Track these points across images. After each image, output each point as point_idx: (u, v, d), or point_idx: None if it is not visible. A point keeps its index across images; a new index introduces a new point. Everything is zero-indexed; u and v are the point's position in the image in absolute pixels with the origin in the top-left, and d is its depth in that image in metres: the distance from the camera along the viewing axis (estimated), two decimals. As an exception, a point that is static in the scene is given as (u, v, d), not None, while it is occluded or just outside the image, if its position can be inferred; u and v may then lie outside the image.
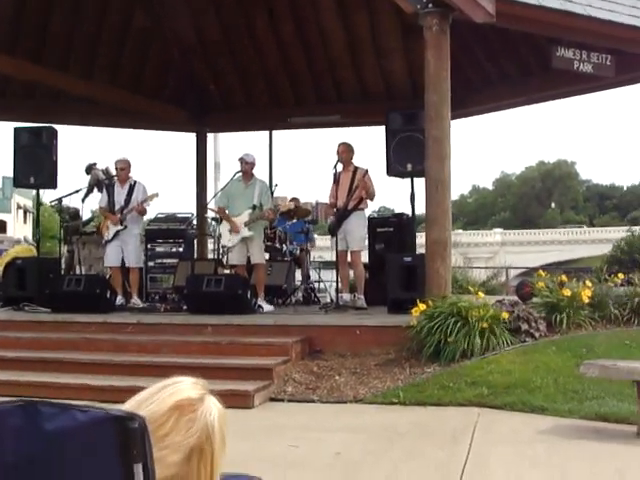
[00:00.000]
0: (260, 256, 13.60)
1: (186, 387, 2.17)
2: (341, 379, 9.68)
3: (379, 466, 6.58)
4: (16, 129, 15.00)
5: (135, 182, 13.94)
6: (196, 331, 11.28)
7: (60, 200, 15.07)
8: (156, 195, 13.91)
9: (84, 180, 16.62)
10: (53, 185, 14.88)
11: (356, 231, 13.19)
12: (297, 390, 9.47)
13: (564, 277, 11.68)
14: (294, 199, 16.73)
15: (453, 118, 11.47)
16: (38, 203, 16.15)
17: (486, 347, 9.75)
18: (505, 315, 10.15)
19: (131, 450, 1.92)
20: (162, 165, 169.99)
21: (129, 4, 17.85)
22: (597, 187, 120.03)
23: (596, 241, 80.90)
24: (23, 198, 76.15)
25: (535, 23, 11.66)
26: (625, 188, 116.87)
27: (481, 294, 10.86)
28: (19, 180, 15.11)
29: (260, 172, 14.83)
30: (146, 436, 1.94)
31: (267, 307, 13.17)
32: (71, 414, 1.90)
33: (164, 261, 16.11)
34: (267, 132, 20.63)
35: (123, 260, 13.85)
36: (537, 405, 8.30)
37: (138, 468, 1.93)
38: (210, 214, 15.77)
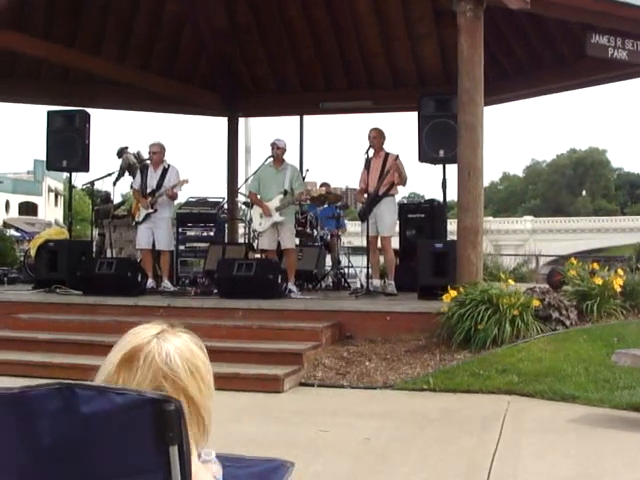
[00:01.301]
0: (291, 241, 13.61)
1: (133, 337, 2.14)
2: (371, 365, 9.68)
3: (408, 452, 6.58)
4: (49, 112, 15.09)
5: (169, 166, 13.94)
6: (227, 315, 11.31)
7: (92, 183, 15.15)
8: (186, 181, 13.91)
9: (116, 164, 16.70)
10: (85, 168, 14.97)
11: (387, 216, 13.15)
12: (327, 375, 9.47)
13: (596, 265, 11.61)
14: (324, 184, 16.71)
15: (485, 105, 11.42)
16: (70, 186, 16.23)
17: (517, 335, 9.72)
18: (536, 303, 10.11)
19: (167, 432, 1.93)
20: (194, 149, 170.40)
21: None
22: (628, 175, 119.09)
23: (627, 230, 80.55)
24: (54, 181, 76.66)
25: (569, 9, 11.58)
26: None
27: (512, 281, 10.82)
28: (52, 163, 15.20)
29: (291, 157, 14.87)
30: (182, 418, 1.94)
31: (298, 292, 13.20)
32: (107, 397, 1.91)
33: (195, 245, 16.17)
34: (298, 117, 20.62)
35: (154, 243, 13.88)
36: (568, 394, 8.26)
37: (174, 450, 1.94)
38: (241, 198, 15.80)
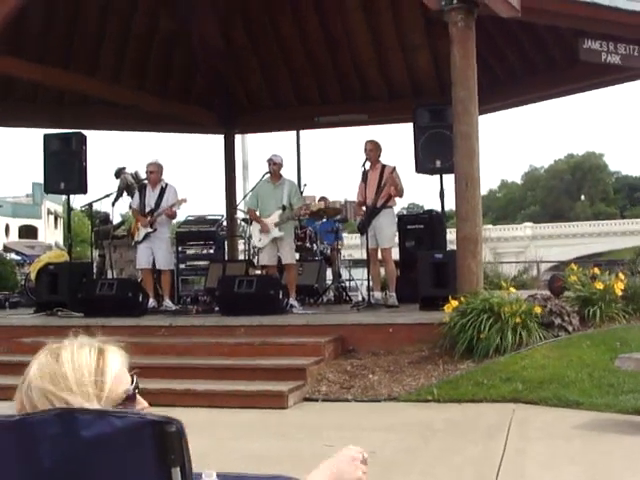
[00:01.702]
0: (291, 256, 13.62)
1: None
2: (375, 377, 9.66)
3: (415, 464, 6.57)
4: (46, 136, 15.10)
5: (167, 185, 13.95)
6: (229, 332, 11.30)
7: (90, 205, 15.16)
8: (184, 200, 13.91)
9: (114, 184, 16.72)
10: (83, 190, 14.95)
11: (386, 228, 13.17)
12: (331, 389, 9.46)
13: (596, 270, 11.60)
14: (323, 198, 16.74)
15: (480, 113, 11.44)
16: (69, 209, 16.23)
17: (519, 342, 9.70)
18: (538, 310, 10.09)
19: (169, 454, 1.92)
20: (191, 167, 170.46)
21: (155, 8, 17.93)
22: (627, 178, 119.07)
23: (627, 233, 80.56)
24: (53, 204, 76.60)
25: (561, 16, 11.61)
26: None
27: (513, 289, 10.80)
28: (49, 186, 15.20)
29: (288, 172, 14.89)
30: (183, 439, 1.94)
31: (299, 307, 13.19)
32: (108, 420, 1.90)
33: (195, 263, 16.18)
34: (294, 132, 20.65)
35: (154, 263, 13.88)
36: (572, 400, 8.25)
37: (176, 472, 1.93)
38: (240, 215, 15.81)
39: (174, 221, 15.08)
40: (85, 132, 15.33)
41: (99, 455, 1.89)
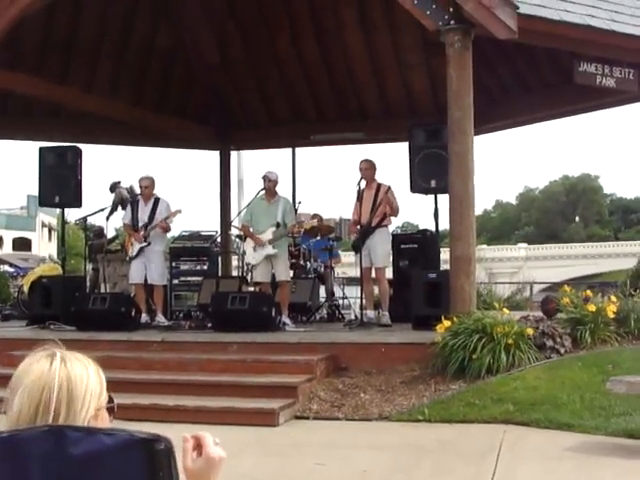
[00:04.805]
0: (284, 273, 13.59)
1: None
2: (366, 396, 9.65)
3: (405, 484, 6.56)
4: (41, 149, 15.11)
5: (159, 199, 13.96)
6: (221, 349, 11.29)
7: (85, 219, 15.16)
8: (179, 212, 13.93)
9: (108, 198, 16.72)
10: (78, 204, 14.96)
11: (380, 248, 13.16)
12: (322, 408, 9.44)
13: (589, 292, 11.62)
14: (316, 215, 16.73)
15: (476, 134, 11.44)
16: (63, 222, 16.23)
17: (511, 363, 9.70)
18: (530, 331, 10.09)
19: (158, 472, 1.92)
20: (186, 183, 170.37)
21: (152, 24, 17.98)
22: (621, 201, 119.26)
23: (621, 255, 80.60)
24: (48, 216, 76.60)
25: (557, 38, 11.63)
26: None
27: (506, 310, 10.79)
28: (44, 199, 15.20)
29: (284, 189, 14.86)
30: (172, 457, 1.94)
31: (292, 325, 13.17)
32: (97, 438, 1.90)
33: (189, 279, 16.15)
34: (290, 149, 20.66)
35: (147, 278, 13.86)
36: (563, 422, 8.24)
37: (165, 490, 1.93)
38: (234, 231, 15.81)
39: (169, 236, 15.07)
40: (81, 146, 15.35)
41: (88, 473, 1.89)
